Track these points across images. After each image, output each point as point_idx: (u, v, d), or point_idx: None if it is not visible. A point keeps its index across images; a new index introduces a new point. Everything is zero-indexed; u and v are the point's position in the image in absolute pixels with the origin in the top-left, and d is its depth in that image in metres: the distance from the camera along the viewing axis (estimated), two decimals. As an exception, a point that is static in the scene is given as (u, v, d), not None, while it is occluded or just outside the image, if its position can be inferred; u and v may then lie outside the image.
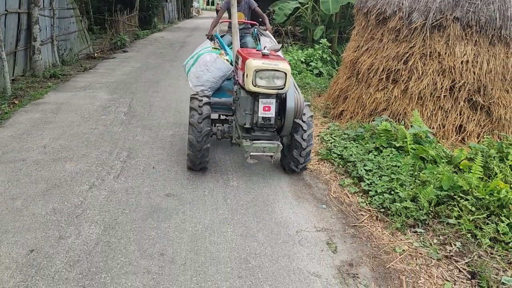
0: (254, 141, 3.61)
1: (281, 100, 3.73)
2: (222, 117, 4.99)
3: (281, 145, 3.70)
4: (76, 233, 3.12)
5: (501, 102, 5.43)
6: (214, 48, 4.87)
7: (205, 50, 4.76)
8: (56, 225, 3.22)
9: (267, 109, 3.59)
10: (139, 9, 21.04)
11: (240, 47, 4.81)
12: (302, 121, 3.99)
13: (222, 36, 5.65)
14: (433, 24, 5.37)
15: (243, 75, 3.57)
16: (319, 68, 9.90)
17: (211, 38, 5.26)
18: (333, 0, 10.85)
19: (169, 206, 3.58)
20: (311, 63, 10.11)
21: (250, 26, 6.14)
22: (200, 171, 4.34)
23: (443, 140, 5.39)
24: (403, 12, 5.56)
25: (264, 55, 3.61)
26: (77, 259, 2.81)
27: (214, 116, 4.76)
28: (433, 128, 5.37)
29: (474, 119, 5.44)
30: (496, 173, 3.79)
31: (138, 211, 3.47)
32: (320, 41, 10.55)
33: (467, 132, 5.41)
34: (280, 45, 4.54)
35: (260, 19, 6.00)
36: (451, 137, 5.40)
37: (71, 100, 7.19)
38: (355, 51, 6.39)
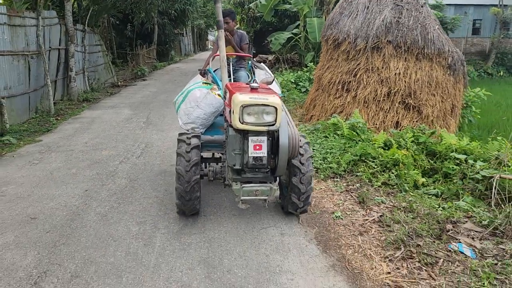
0: (244, 185, 3.31)
1: (274, 137, 3.41)
2: (217, 154, 4.64)
3: (275, 188, 3.36)
4: (112, 183, 4.91)
5: (428, 103, 7.09)
6: (205, 83, 4.64)
7: (195, 86, 4.54)
8: (100, 180, 5.03)
9: (258, 148, 3.23)
10: (157, 43, 23.54)
11: (234, 82, 4.72)
12: (300, 162, 3.65)
13: (215, 71, 5.24)
14: (372, 46, 7.15)
15: (230, 111, 3.30)
16: (306, 86, 11.72)
17: (203, 73, 4.95)
18: (318, 30, 12.82)
19: (173, 170, 5.32)
20: (300, 83, 11.96)
21: (243, 60, 5.69)
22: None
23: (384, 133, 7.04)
24: (350, 38, 7.37)
25: (253, 89, 3.30)
26: (114, 193, 4.59)
27: (208, 154, 4.66)
28: (376, 124, 7.05)
29: (407, 117, 7.11)
30: (392, 144, 5.46)
31: (151, 172, 5.26)
32: (308, 65, 12.42)
33: (402, 126, 7.06)
34: (273, 77, 4.45)
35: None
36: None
37: (102, 116, 9.15)
38: (320, 69, 8.20)
